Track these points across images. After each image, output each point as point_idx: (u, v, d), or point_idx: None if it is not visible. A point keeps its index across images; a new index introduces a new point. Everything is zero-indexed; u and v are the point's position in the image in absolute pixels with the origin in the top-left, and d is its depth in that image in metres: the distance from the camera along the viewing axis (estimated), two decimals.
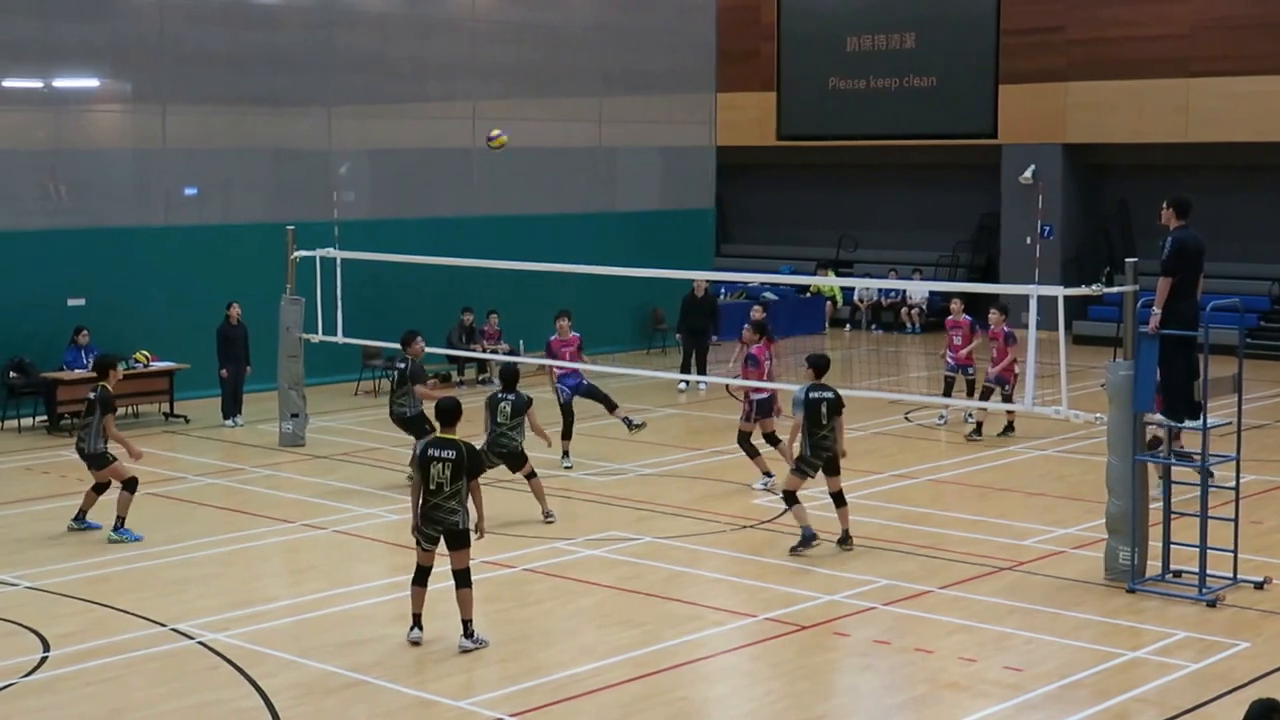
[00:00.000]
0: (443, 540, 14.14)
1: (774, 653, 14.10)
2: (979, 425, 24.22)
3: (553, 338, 22.87)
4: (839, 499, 17.52)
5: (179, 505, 19.92)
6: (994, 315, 24.31)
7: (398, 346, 21.38)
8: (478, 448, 14.90)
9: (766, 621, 14.88)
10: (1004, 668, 13.52)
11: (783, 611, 15.18)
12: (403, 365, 20.80)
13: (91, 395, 18.40)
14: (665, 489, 20.82)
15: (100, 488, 18.44)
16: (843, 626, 14.72)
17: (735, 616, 15.14)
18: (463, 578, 14.17)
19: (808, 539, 17.22)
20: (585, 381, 22.67)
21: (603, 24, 34.84)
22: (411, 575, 14.36)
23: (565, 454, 22.19)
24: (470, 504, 14.17)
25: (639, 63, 35.47)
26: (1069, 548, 17.61)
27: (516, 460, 18.87)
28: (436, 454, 14.14)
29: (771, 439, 20.68)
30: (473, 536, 14.19)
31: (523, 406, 18.81)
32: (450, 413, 14.48)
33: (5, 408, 25.08)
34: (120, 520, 18.08)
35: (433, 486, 14.09)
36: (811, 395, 17.33)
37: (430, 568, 14.24)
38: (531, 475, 18.96)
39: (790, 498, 17.40)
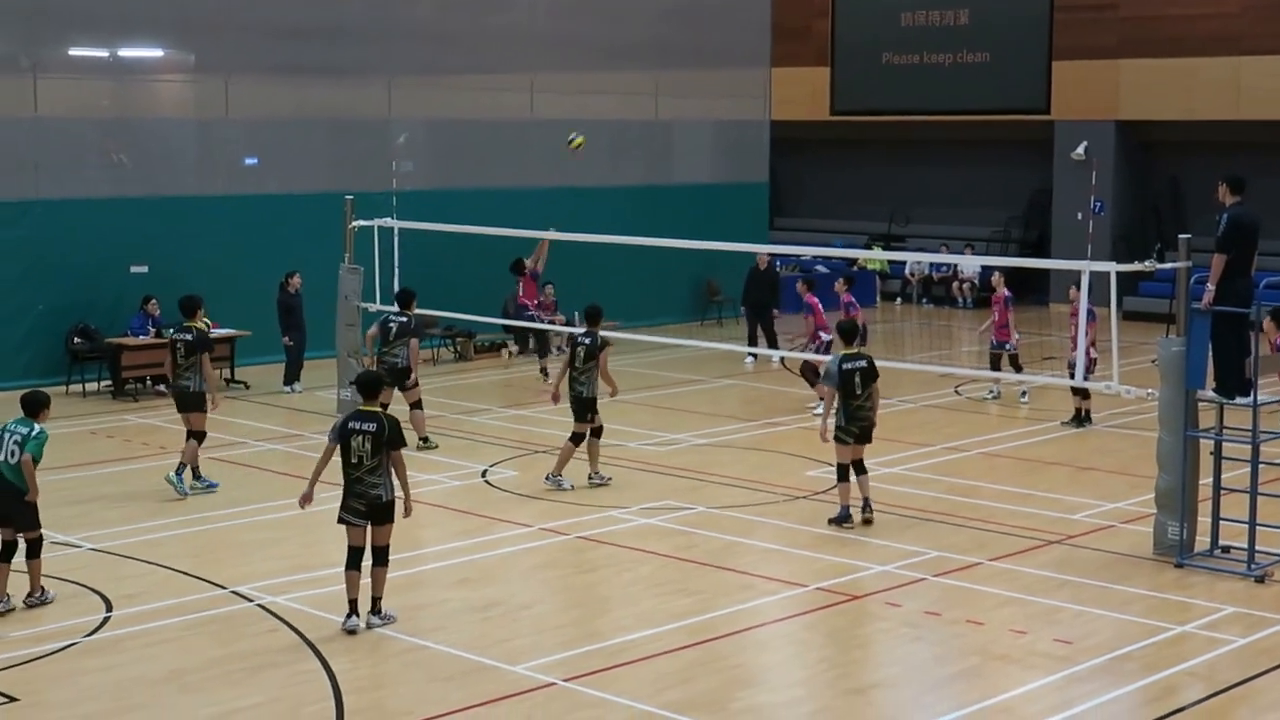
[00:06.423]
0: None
1: (827, 622, 14.27)
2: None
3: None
4: (859, 467, 17.53)
5: (240, 470, 20.20)
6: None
7: (457, 316, 21.56)
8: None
9: (819, 591, 15.03)
10: (1054, 640, 13.64)
11: (835, 581, 15.33)
12: (393, 324, 21.37)
13: (188, 337, 18.96)
14: (719, 459, 20.99)
15: (199, 436, 18.90)
16: (894, 597, 14.85)
17: (788, 586, 15.30)
18: (381, 555, 13.94)
19: (842, 519, 17.32)
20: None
21: None
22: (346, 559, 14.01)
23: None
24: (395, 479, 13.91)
25: (695, 38, 35.47)
26: (1118, 522, 17.69)
27: (584, 407, 18.84)
28: (357, 427, 13.76)
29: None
30: (398, 514, 13.91)
31: (595, 350, 18.84)
32: (371, 385, 14.21)
33: (70, 372, 25.42)
34: (183, 467, 18.71)
35: (353, 460, 13.74)
36: (845, 366, 17.46)
37: (362, 548, 13.91)
38: (597, 432, 18.99)
39: (842, 472, 17.49)
